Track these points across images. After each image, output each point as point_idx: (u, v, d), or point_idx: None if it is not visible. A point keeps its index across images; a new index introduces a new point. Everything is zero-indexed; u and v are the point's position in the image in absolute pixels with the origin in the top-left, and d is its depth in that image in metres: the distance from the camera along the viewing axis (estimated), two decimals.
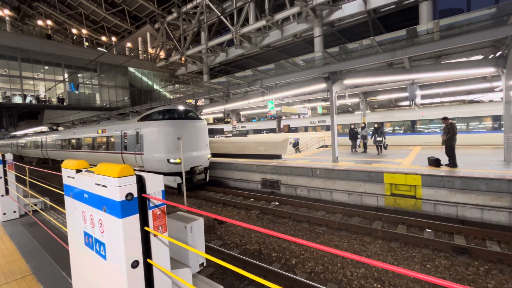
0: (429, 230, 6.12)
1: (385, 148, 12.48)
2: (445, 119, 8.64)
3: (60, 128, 23.04)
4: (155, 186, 1.90)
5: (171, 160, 9.93)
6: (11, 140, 32.92)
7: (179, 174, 9.57)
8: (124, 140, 11.78)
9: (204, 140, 11.21)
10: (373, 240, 5.82)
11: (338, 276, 4.49)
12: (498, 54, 8.79)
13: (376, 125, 12.63)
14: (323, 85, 11.03)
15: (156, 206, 1.90)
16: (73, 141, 17.06)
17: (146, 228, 1.84)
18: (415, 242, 5.56)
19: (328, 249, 1.19)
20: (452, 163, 8.17)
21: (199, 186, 11.36)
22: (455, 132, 8.26)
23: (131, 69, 34.92)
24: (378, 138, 12.27)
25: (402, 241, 5.68)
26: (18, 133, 31.81)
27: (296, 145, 17.45)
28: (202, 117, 13.37)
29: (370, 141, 13.27)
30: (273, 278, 4.41)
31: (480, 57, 9.38)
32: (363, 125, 14.01)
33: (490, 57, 9.09)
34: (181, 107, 11.43)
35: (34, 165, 24.75)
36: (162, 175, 2.02)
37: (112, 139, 12.78)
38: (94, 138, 14.57)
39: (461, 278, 4.34)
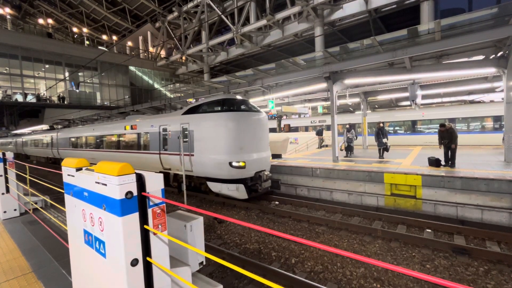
0: (429, 230, 6.12)
1: (387, 150, 11.06)
2: (442, 125, 8.57)
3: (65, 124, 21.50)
4: (155, 184, 1.91)
5: (234, 163, 7.89)
6: (16, 138, 31.20)
7: (242, 181, 8.11)
8: (164, 137, 9.82)
9: (267, 138, 9.29)
10: (373, 240, 5.82)
11: (337, 276, 4.50)
12: (499, 54, 8.76)
13: (380, 124, 10.87)
14: (323, 85, 11.02)
15: (156, 204, 1.90)
16: (92, 139, 14.84)
17: (145, 226, 1.85)
18: (414, 242, 5.56)
19: (328, 248, 1.19)
20: (452, 164, 8.20)
21: (258, 196, 9.11)
22: (456, 136, 8.29)
23: (131, 68, 34.93)
24: (384, 140, 10.61)
25: (402, 241, 5.68)
26: (23, 130, 30.38)
27: (320, 133, 17.53)
28: None
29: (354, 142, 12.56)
30: (273, 277, 4.41)
31: (481, 57, 9.36)
32: (348, 126, 12.44)
33: (491, 57, 9.06)
34: (238, 96, 9.41)
35: (35, 163, 24.69)
36: (161, 175, 2.02)
37: (146, 137, 10.82)
38: (120, 136, 12.48)
39: (460, 279, 4.33)
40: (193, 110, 9.06)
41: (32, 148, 25.50)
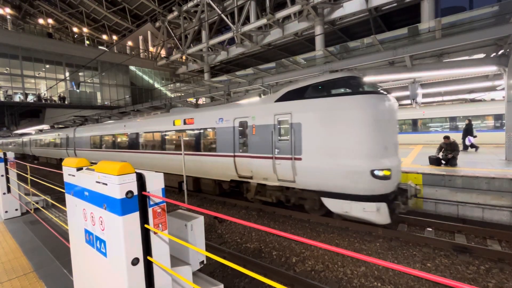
0: (430, 229, 6.11)
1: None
2: (447, 137, 8.90)
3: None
4: (156, 184, 1.91)
5: (377, 172, 5.37)
6: (22, 138, 28.92)
7: (383, 197, 5.54)
8: (242, 134, 7.47)
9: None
10: (374, 239, 5.82)
11: (338, 275, 4.50)
12: (500, 52, 8.74)
13: (467, 121, 10.05)
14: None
15: (156, 204, 1.91)
16: (123, 138, 12.41)
17: (146, 225, 1.85)
18: (415, 241, 5.55)
19: (328, 247, 1.19)
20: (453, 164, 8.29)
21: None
22: (459, 149, 8.64)
23: (132, 67, 34.96)
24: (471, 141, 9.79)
25: (403, 240, 5.68)
26: (30, 129, 28.90)
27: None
28: None
29: None
30: (273, 276, 4.42)
31: (482, 55, 9.33)
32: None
33: (492, 55, 9.04)
34: (357, 73, 7.24)
35: (37, 164, 24.67)
36: (161, 174, 2.00)
37: (210, 134, 8.53)
38: (166, 134, 10.07)
39: (461, 277, 4.33)
40: (296, 95, 6.53)
41: (42, 148, 22.98)
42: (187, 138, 9.32)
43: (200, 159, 8.74)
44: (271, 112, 6.84)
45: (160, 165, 10.22)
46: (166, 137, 10.07)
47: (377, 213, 5.56)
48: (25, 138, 27.77)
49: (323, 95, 6.13)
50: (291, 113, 6.41)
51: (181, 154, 8.67)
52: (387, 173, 5.42)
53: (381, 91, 6.12)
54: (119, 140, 12.65)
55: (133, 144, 11.60)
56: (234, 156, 7.61)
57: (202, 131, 8.76)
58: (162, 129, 10.18)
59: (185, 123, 9.28)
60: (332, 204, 6.06)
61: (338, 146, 5.72)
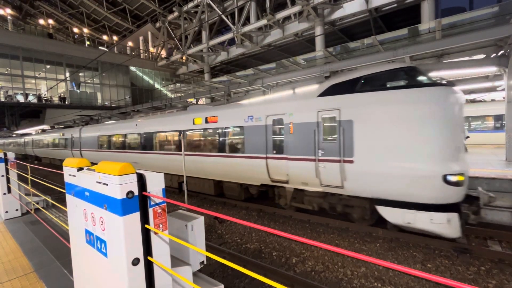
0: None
1: None
2: None
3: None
4: (156, 184, 1.91)
5: (450, 177, 4.63)
6: (24, 138, 28.33)
7: (454, 207, 4.83)
8: (276, 134, 6.80)
9: None
10: (374, 240, 5.81)
11: (338, 275, 4.50)
12: (500, 53, 8.74)
13: None
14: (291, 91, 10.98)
15: (157, 204, 1.91)
16: (134, 138, 11.72)
17: (146, 226, 1.85)
18: (416, 242, 5.55)
19: (328, 247, 1.19)
20: None
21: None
22: None
23: (132, 68, 35.00)
24: None
25: (403, 241, 5.67)
26: (32, 129, 28.51)
27: None
28: None
29: None
30: (274, 277, 4.42)
31: (482, 56, 9.34)
32: None
33: (492, 56, 9.04)
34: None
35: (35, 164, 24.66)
36: (162, 174, 2.01)
37: (236, 134, 7.82)
38: (184, 133, 9.31)
39: (462, 278, 4.33)
40: (344, 89, 5.76)
41: (45, 149, 22.18)
42: (209, 138, 8.60)
43: (224, 161, 7.95)
44: (314, 109, 6.05)
45: (179, 167, 9.26)
46: (186, 137, 9.34)
47: (448, 225, 4.79)
48: (27, 138, 27.08)
49: (381, 88, 5.32)
50: (339, 109, 5.63)
51: (203, 155, 8.54)
52: (461, 178, 4.65)
53: (450, 83, 5.17)
54: (129, 140, 11.94)
55: (147, 144, 10.84)
56: (267, 158, 6.89)
57: (227, 130, 8.00)
58: (180, 128, 9.43)
59: (207, 121, 8.51)
60: (390, 214, 5.29)
61: (402, 147, 4.90)
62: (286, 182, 6.66)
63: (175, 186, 10.31)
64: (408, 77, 5.38)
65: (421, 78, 5.31)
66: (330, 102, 5.85)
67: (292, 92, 7.41)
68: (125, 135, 12.20)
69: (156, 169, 10.46)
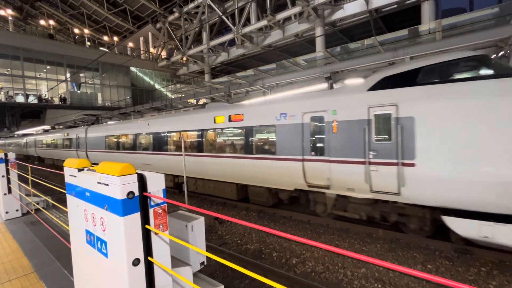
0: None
1: None
2: None
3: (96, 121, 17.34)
4: (157, 184, 1.92)
5: None
6: (26, 138, 27.52)
7: None
8: (316, 133, 6.12)
9: None
10: (374, 241, 5.81)
11: (338, 276, 4.49)
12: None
13: None
14: (324, 85, 11.02)
15: (157, 204, 1.91)
16: (145, 139, 11.04)
17: (147, 226, 1.86)
18: (416, 243, 5.54)
19: (328, 248, 1.19)
20: None
21: None
22: None
23: (132, 68, 35.06)
24: None
25: (403, 242, 5.67)
26: (35, 129, 28.09)
27: None
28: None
29: None
30: (274, 277, 4.41)
31: None
32: None
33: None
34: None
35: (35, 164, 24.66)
36: (162, 175, 2.02)
37: (265, 133, 7.19)
38: (204, 133, 8.62)
39: (462, 279, 4.33)
40: (401, 81, 5.15)
41: (48, 149, 21.39)
42: (232, 138, 8.00)
43: (251, 164, 7.25)
44: (363, 104, 5.35)
45: (199, 170, 8.76)
46: (206, 137, 8.62)
47: None
48: (29, 139, 26.39)
49: (452, 80, 4.64)
50: (396, 105, 4.96)
51: (226, 157, 7.85)
52: None
53: None
54: (141, 141, 11.37)
55: (160, 145, 10.13)
56: (303, 160, 6.18)
57: (254, 129, 7.29)
58: (198, 128, 8.74)
59: (230, 120, 7.83)
60: (461, 226, 4.57)
61: (482, 148, 4.18)
62: (327, 187, 5.92)
63: (192, 190, 9.62)
64: (485, 66, 4.71)
65: (498, 67, 4.68)
66: (384, 97, 5.12)
67: (326, 87, 6.89)
68: (136, 135, 11.56)
69: (171, 172, 10.00)
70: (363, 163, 5.27)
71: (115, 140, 12.88)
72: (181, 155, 8.71)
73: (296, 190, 6.80)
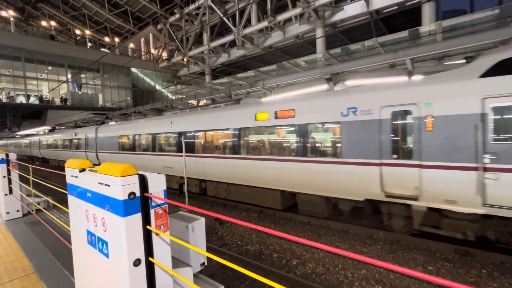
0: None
1: None
2: None
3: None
4: (158, 185, 1.92)
5: None
6: (30, 138, 27.16)
7: None
8: (401, 130, 5.10)
9: None
10: (375, 242, 5.80)
11: (339, 277, 4.49)
12: None
13: None
14: (325, 86, 11.04)
15: (158, 205, 1.92)
16: (171, 139, 9.99)
17: (148, 227, 1.86)
18: (417, 244, 5.53)
19: (329, 248, 1.20)
20: None
21: None
22: None
23: (133, 69, 35.14)
24: None
25: (404, 243, 5.66)
26: (39, 129, 27.89)
27: None
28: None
29: None
30: (274, 279, 4.41)
31: None
32: None
33: None
34: None
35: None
36: (163, 175, 2.03)
37: (327, 133, 6.24)
38: (240, 132, 7.60)
39: (463, 281, 4.32)
40: None
41: (53, 150, 20.39)
42: (279, 138, 6.99)
43: (304, 168, 6.18)
44: (474, 95, 4.34)
45: (233, 174, 7.78)
46: (243, 136, 7.58)
47: None
48: (34, 139, 25.62)
49: None
50: None
51: (270, 159, 6.81)
52: None
53: None
54: (161, 141, 10.37)
55: (186, 146, 8.92)
56: (381, 164, 5.14)
57: (310, 127, 6.18)
58: (235, 126, 7.71)
59: (277, 116, 6.74)
60: None
61: None
62: (414, 198, 4.88)
63: (235, 200, 8.29)
64: None
65: None
66: (506, 85, 4.11)
67: (408, 74, 5.68)
68: (154, 135, 10.52)
69: (197, 175, 9.12)
70: (474, 169, 4.26)
71: (131, 140, 11.85)
72: (209, 157, 8.33)
73: (366, 200, 5.68)
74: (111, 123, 15.14)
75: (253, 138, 7.51)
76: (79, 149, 16.25)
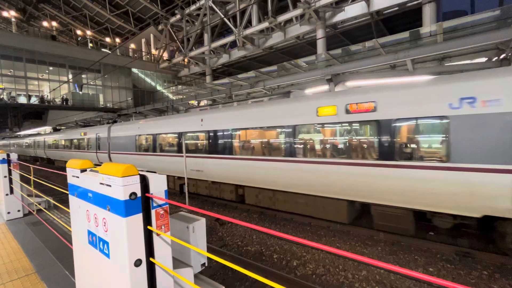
0: (432, 233, 6.07)
1: None
2: None
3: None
4: (159, 186, 1.93)
5: None
6: (34, 138, 26.31)
7: None
8: None
9: None
10: (375, 243, 5.79)
11: (339, 278, 4.48)
12: (502, 56, 8.74)
13: None
14: (325, 87, 11.04)
15: (159, 205, 1.92)
16: (202, 138, 8.88)
17: (149, 227, 1.86)
18: (417, 245, 5.52)
19: (329, 249, 1.20)
20: None
21: None
22: None
23: (134, 70, 35.20)
24: None
25: (404, 244, 5.65)
26: (42, 128, 27.30)
27: None
28: None
29: None
30: (274, 280, 4.40)
31: (483, 59, 9.34)
32: None
33: (494, 59, 9.04)
34: None
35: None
36: (164, 176, 2.03)
37: (422, 131, 5.03)
38: (295, 130, 6.40)
39: (463, 282, 4.31)
40: None
41: (60, 151, 18.99)
42: (350, 137, 5.85)
43: (390, 175, 4.99)
44: None
45: (284, 181, 6.65)
46: (299, 135, 6.42)
47: None
48: (38, 138, 24.42)
49: None
50: None
51: (338, 163, 5.61)
52: None
53: None
54: (191, 141, 9.39)
55: (222, 146, 8.00)
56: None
57: (399, 123, 4.97)
58: (288, 124, 6.49)
59: (348, 111, 5.52)
60: None
61: None
62: None
63: (282, 209, 7.28)
64: None
65: None
66: None
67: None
68: (180, 134, 9.36)
69: (233, 180, 8.02)
70: None
71: (150, 140, 10.63)
72: (258, 159, 7.12)
73: (484, 216, 4.48)
74: (126, 121, 14.04)
75: (313, 137, 6.38)
76: (89, 150, 15.04)
